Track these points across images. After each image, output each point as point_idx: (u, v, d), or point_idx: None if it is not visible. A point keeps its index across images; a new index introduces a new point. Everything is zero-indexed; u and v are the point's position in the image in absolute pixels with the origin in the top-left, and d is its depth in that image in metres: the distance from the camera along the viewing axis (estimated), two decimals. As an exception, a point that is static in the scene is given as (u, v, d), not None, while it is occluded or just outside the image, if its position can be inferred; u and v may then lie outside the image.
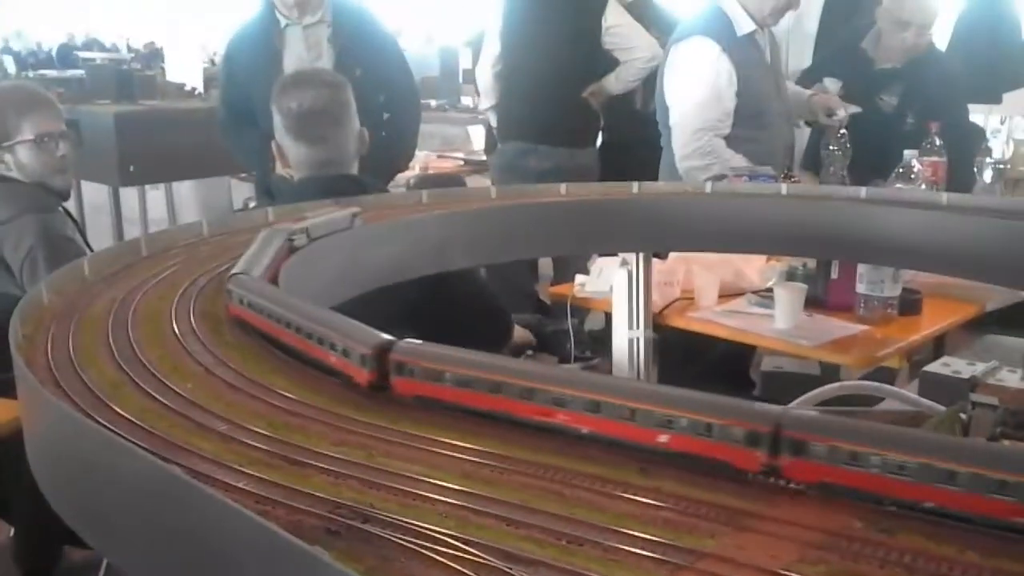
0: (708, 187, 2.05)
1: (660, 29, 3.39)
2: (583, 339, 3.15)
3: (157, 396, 0.79)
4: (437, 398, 0.77)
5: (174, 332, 0.96)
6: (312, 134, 1.94)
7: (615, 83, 3.48)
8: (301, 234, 1.39)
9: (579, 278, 2.46)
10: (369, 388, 0.80)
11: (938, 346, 2.25)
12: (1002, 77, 4.10)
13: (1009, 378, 0.90)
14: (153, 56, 10.01)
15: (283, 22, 2.80)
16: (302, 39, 2.79)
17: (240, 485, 0.64)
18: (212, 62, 7.45)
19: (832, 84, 3.22)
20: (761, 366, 2.78)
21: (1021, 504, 0.56)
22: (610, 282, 2.14)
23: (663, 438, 0.67)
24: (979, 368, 0.92)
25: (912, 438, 0.62)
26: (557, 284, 2.97)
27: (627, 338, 2.14)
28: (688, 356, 2.35)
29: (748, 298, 2.26)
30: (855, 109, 3.04)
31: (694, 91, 2.84)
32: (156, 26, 10.85)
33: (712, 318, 2.18)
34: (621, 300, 2.10)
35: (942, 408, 0.83)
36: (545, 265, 3.93)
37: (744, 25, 2.83)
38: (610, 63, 3.46)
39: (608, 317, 2.34)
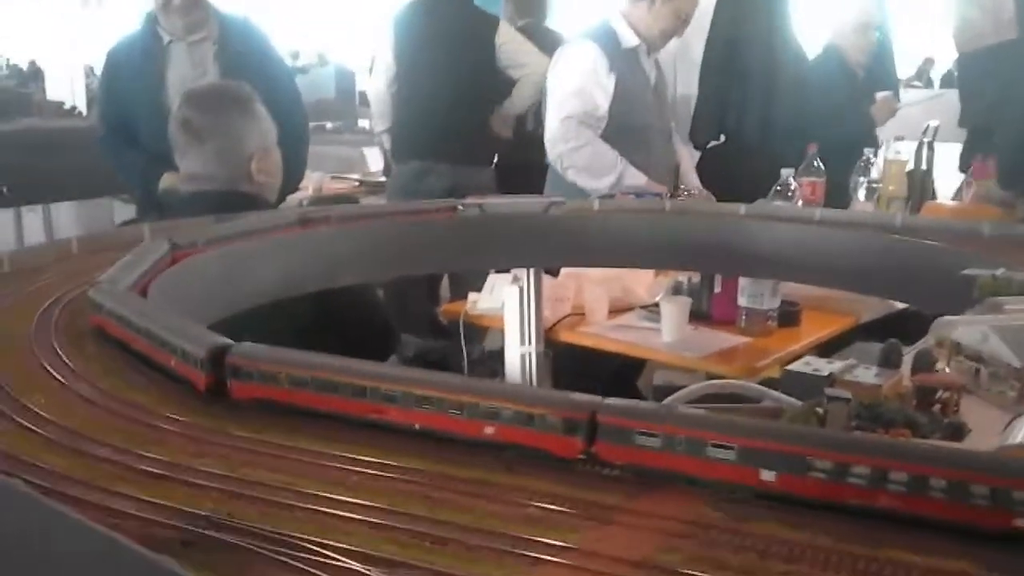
0: (596, 204, 2.09)
1: (551, 52, 3.46)
2: (481, 358, 3.15)
3: (7, 412, 0.75)
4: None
5: (32, 348, 0.92)
6: (187, 146, 1.93)
7: (516, 102, 3.54)
8: (473, 208, 1.41)
9: (472, 296, 2.47)
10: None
11: (823, 356, 2.33)
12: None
13: (864, 375, 0.95)
14: (35, 75, 9.62)
15: (166, 39, 2.73)
16: (186, 57, 2.73)
17: (90, 499, 0.61)
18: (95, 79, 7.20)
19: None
20: (654, 380, 2.84)
21: None
22: (502, 299, 2.15)
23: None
24: (837, 366, 0.96)
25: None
26: (451, 303, 2.97)
27: (519, 354, 2.15)
28: (580, 371, 2.37)
29: (637, 313, 2.31)
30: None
31: (568, 83, 2.93)
32: (37, 44, 10.43)
33: (602, 333, 2.22)
34: (513, 316, 2.11)
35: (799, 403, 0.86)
36: (444, 289, 3.93)
37: (628, 40, 2.94)
38: (504, 81, 3.51)
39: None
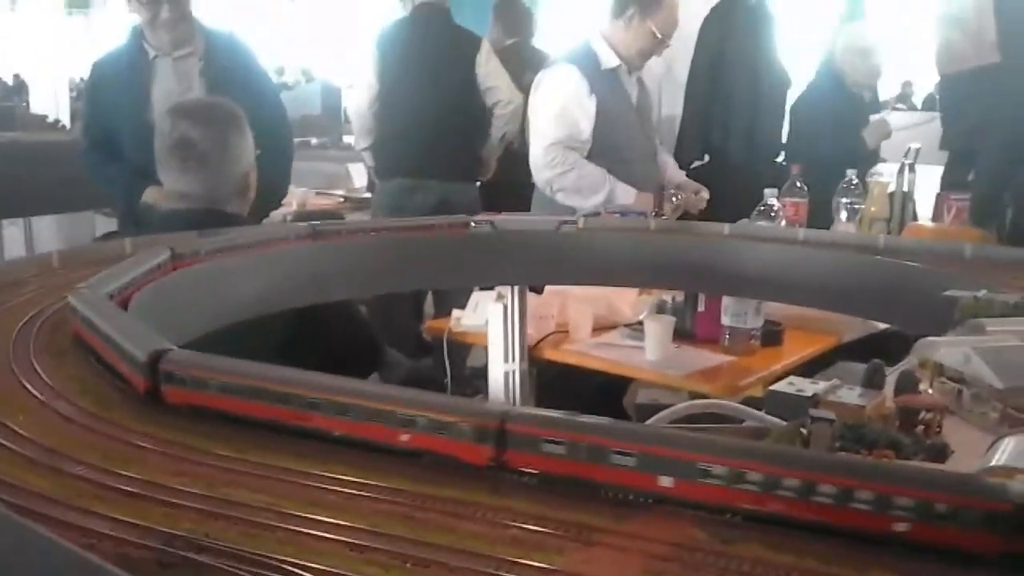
0: (581, 222, 2.09)
1: (537, 71, 3.48)
2: (464, 375, 3.15)
3: (-18, 430, 0.74)
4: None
5: (10, 364, 0.90)
6: (174, 164, 1.90)
7: (495, 142, 3.59)
8: (485, 224, 1.48)
9: (455, 313, 2.46)
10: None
11: (805, 376, 2.34)
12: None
13: (848, 395, 0.95)
14: (19, 89, 9.59)
15: (152, 53, 2.73)
16: (172, 72, 2.72)
17: (67, 519, 0.60)
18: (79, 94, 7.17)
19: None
20: (637, 399, 2.84)
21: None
22: (486, 316, 2.15)
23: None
24: (821, 386, 0.96)
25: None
26: (435, 319, 2.96)
27: (503, 371, 2.15)
28: (564, 389, 2.37)
29: (621, 331, 2.31)
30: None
31: (549, 108, 2.94)
32: (21, 58, 10.40)
33: (586, 350, 2.22)
34: (496, 334, 2.11)
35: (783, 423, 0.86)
36: (428, 305, 3.92)
37: (608, 60, 2.95)
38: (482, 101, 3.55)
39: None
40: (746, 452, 0.63)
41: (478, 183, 3.73)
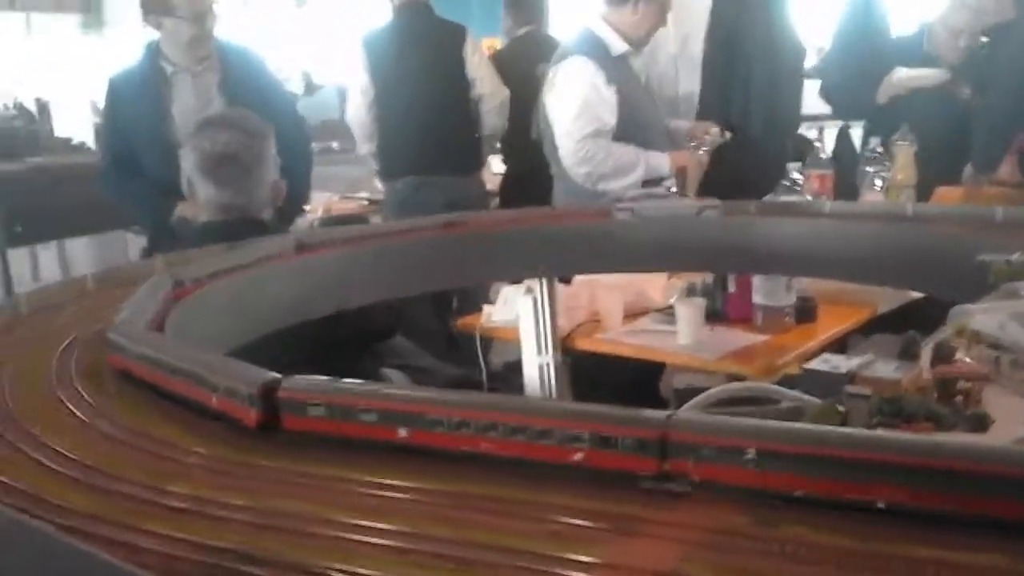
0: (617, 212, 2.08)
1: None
2: (495, 370, 3.15)
3: (29, 451, 0.76)
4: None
5: (53, 388, 0.92)
6: (219, 176, 1.93)
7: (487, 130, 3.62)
8: (626, 211, 1.60)
9: (486, 308, 2.47)
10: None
11: (842, 350, 2.31)
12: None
13: (883, 369, 0.94)
14: (42, 112, 9.70)
15: (169, 69, 2.75)
16: (190, 87, 2.75)
17: (114, 537, 0.61)
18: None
19: None
20: (673, 384, 2.83)
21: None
22: (516, 310, 2.15)
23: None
24: (855, 362, 0.96)
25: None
26: (462, 316, 2.97)
27: (537, 364, 2.15)
28: (599, 378, 2.37)
29: (652, 316, 2.30)
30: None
31: (570, 105, 2.91)
32: (43, 82, 10.53)
33: (618, 338, 2.21)
34: (528, 327, 2.11)
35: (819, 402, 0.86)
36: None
37: (617, 46, 2.93)
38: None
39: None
40: (462, 404, 0.72)
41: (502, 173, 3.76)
